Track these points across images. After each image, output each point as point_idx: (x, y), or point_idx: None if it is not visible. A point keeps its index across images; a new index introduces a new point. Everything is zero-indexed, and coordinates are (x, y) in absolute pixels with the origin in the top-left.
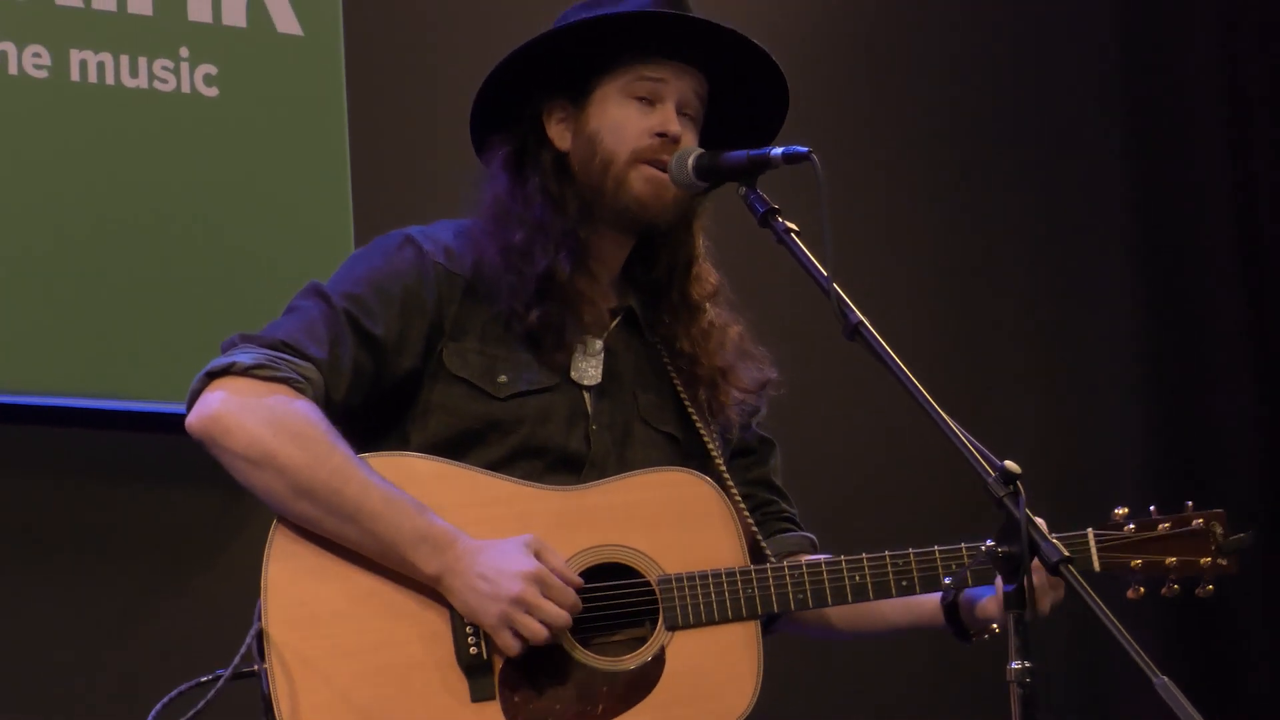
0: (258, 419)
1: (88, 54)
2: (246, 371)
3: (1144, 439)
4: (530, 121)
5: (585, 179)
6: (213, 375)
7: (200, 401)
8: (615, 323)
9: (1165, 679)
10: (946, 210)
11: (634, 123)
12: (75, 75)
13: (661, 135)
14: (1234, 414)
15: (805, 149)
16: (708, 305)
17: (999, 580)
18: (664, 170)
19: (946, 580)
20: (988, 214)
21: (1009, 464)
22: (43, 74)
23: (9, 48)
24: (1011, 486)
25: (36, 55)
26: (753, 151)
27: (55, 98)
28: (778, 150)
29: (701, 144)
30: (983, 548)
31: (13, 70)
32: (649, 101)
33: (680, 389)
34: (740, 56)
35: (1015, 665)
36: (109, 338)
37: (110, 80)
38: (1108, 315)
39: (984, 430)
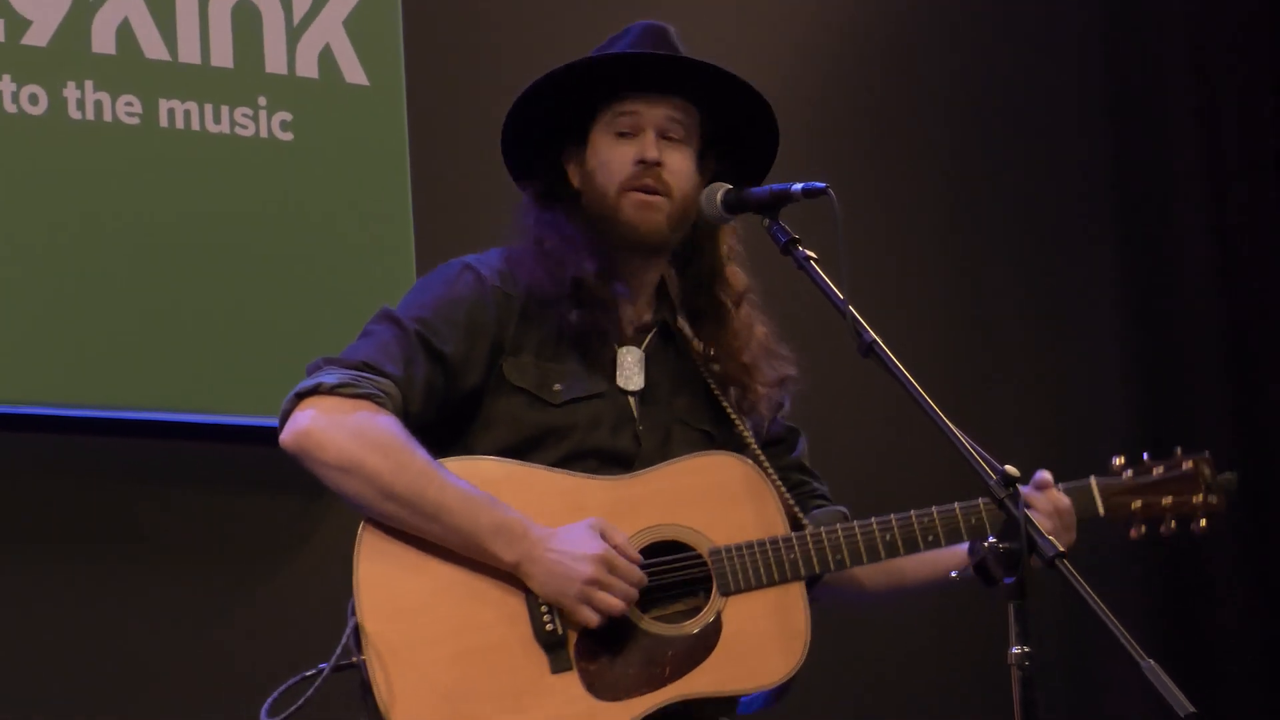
0: (345, 432)
1: (175, 103)
2: (332, 390)
3: (1126, 425)
4: (552, 164)
5: (594, 213)
6: (301, 395)
7: (291, 420)
8: (653, 333)
9: (1151, 662)
10: (945, 231)
11: (618, 157)
12: (164, 122)
13: (641, 162)
14: (1206, 398)
15: (823, 185)
16: (736, 307)
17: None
18: (651, 193)
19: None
20: (982, 232)
21: (1008, 468)
22: (135, 120)
23: (104, 97)
24: (1011, 489)
25: (129, 104)
26: (774, 186)
27: (146, 142)
28: (798, 186)
29: (723, 158)
30: (985, 544)
31: (107, 117)
32: (629, 135)
33: (715, 390)
34: (711, 81)
35: (1015, 650)
36: (198, 358)
37: (195, 126)
38: (1092, 316)
39: (982, 423)
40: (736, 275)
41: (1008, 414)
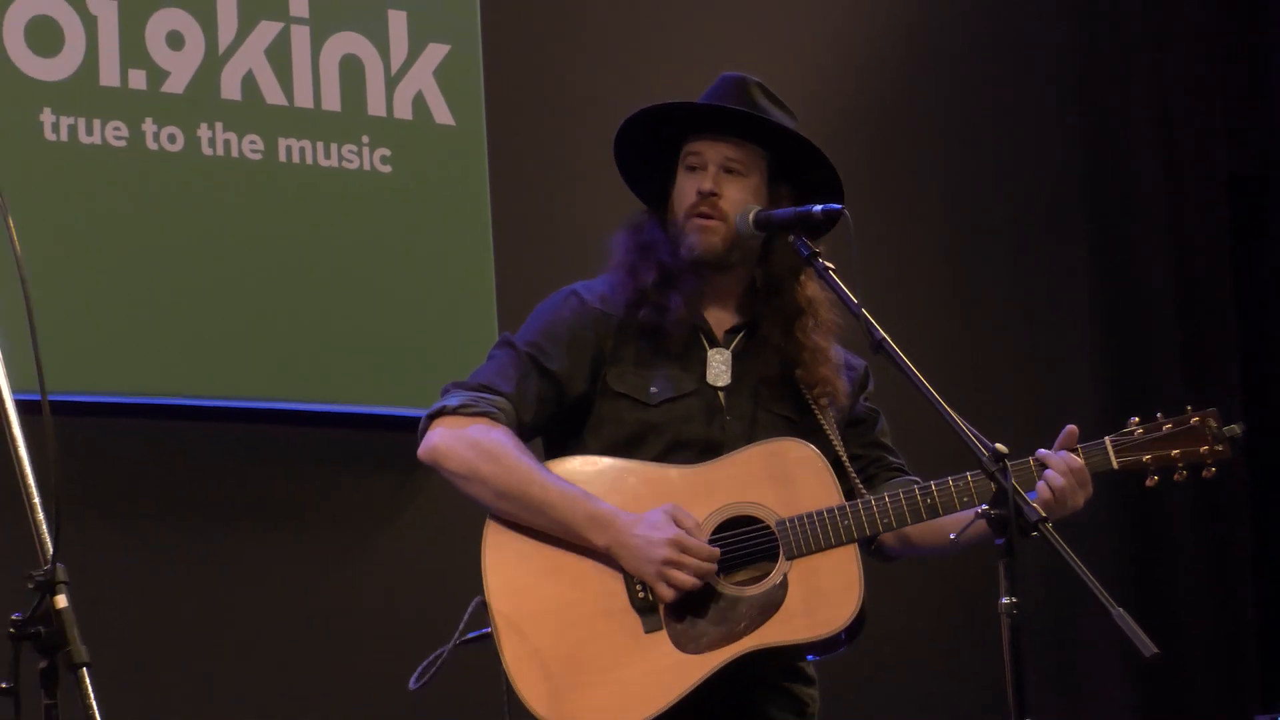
0: (464, 446)
1: (292, 141)
2: (455, 411)
3: (1096, 403)
4: (657, 194)
5: (673, 235)
6: (433, 417)
7: (425, 438)
8: (740, 335)
9: (1121, 610)
10: (940, 241)
11: (686, 188)
12: (282, 157)
13: (700, 193)
14: (1165, 379)
15: (839, 206)
16: (809, 313)
17: (1040, 484)
18: (707, 219)
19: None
20: (972, 242)
21: (998, 446)
22: (258, 156)
23: (231, 137)
24: (1001, 464)
25: (253, 142)
26: (798, 208)
27: (267, 175)
28: (818, 207)
29: (796, 183)
30: (978, 510)
31: (235, 154)
32: (697, 170)
33: (794, 379)
34: (759, 126)
35: (1005, 600)
36: (315, 356)
37: (309, 161)
38: (1066, 311)
39: (974, 405)
40: (809, 286)
41: (996, 396)
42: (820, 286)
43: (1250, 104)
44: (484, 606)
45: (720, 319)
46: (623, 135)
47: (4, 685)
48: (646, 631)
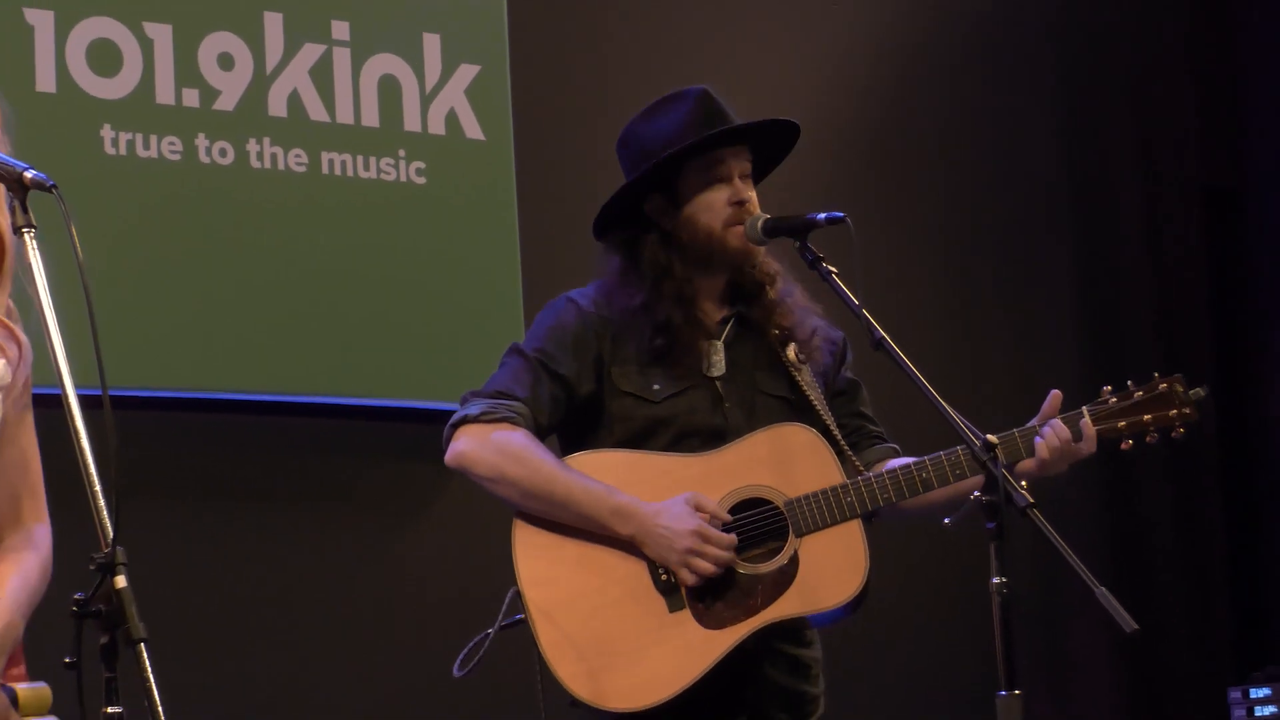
0: (489, 450)
1: (334, 154)
2: (477, 419)
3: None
4: (636, 215)
5: (692, 245)
6: (456, 425)
7: (451, 446)
8: (730, 325)
9: (1104, 589)
10: (936, 246)
11: (718, 200)
12: (325, 169)
13: (738, 203)
14: (1144, 349)
15: (841, 214)
16: (771, 285)
17: (1038, 442)
18: (741, 224)
19: (976, 495)
20: (966, 247)
21: (989, 436)
22: (302, 169)
23: (278, 151)
24: (991, 453)
25: (298, 156)
26: (806, 216)
27: (312, 186)
28: (822, 215)
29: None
30: (971, 497)
31: (281, 167)
32: (724, 179)
33: (783, 360)
34: (763, 132)
35: (996, 580)
36: (355, 354)
37: (350, 173)
38: (1052, 307)
39: (966, 395)
40: (769, 262)
41: (987, 385)
42: (774, 265)
43: (1223, 123)
44: (519, 596)
45: (710, 313)
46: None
47: (68, 660)
48: (670, 612)
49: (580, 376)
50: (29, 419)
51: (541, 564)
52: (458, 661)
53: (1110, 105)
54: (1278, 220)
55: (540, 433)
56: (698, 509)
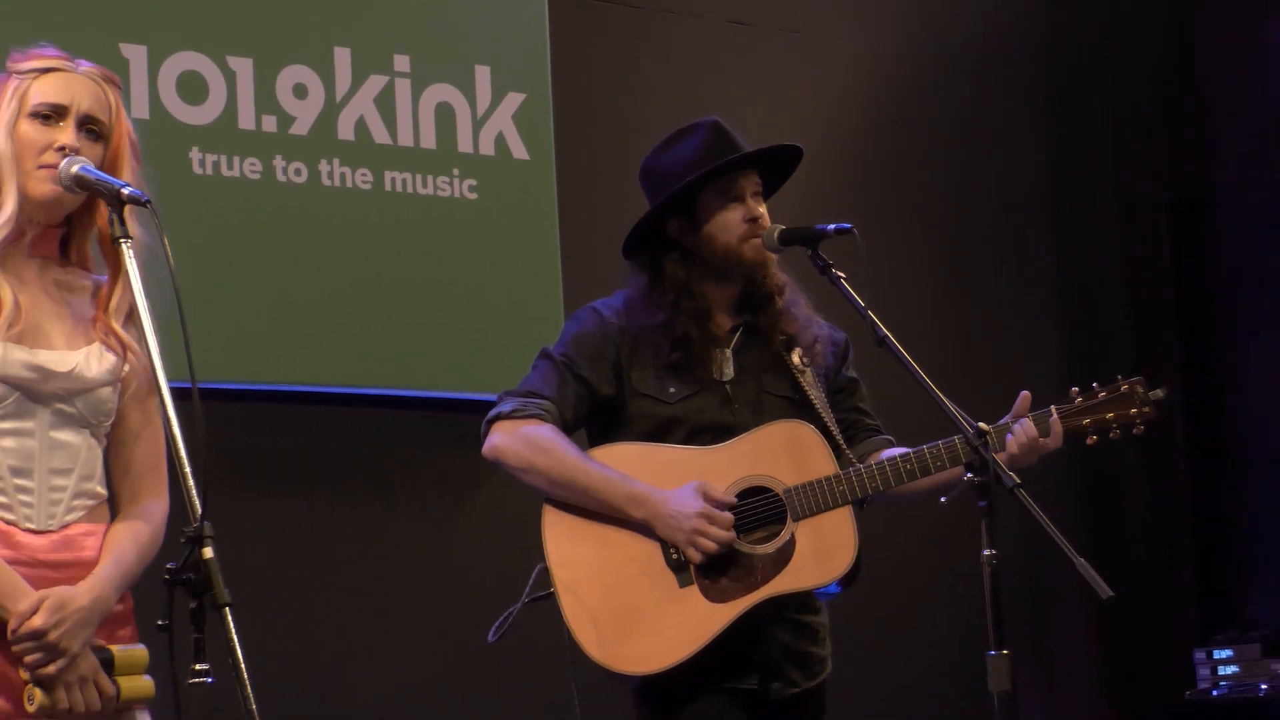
0: (520, 444)
1: (396, 173)
2: (510, 416)
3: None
4: (659, 236)
5: (710, 261)
6: (491, 421)
7: (487, 440)
8: (739, 334)
9: (1082, 560)
10: (932, 253)
11: (734, 218)
12: (389, 187)
13: (751, 220)
14: (1120, 347)
15: (849, 225)
16: (780, 293)
17: (1009, 439)
18: (758, 238)
19: (968, 477)
20: (958, 254)
21: (981, 424)
22: (368, 186)
23: (346, 170)
24: (983, 439)
25: (364, 175)
26: (816, 227)
27: (377, 201)
28: (831, 226)
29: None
30: (963, 479)
31: (349, 185)
32: (738, 199)
33: (788, 364)
34: (774, 157)
35: (986, 552)
36: (413, 349)
37: (410, 190)
38: (1036, 309)
39: (960, 388)
40: (778, 274)
41: (978, 376)
42: (782, 277)
43: (1190, 141)
44: (546, 573)
45: (722, 323)
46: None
47: (161, 622)
48: (680, 587)
49: (600, 380)
50: (150, 407)
51: (567, 544)
52: (492, 629)
53: (1088, 126)
54: (1239, 229)
55: (566, 428)
56: (704, 495)
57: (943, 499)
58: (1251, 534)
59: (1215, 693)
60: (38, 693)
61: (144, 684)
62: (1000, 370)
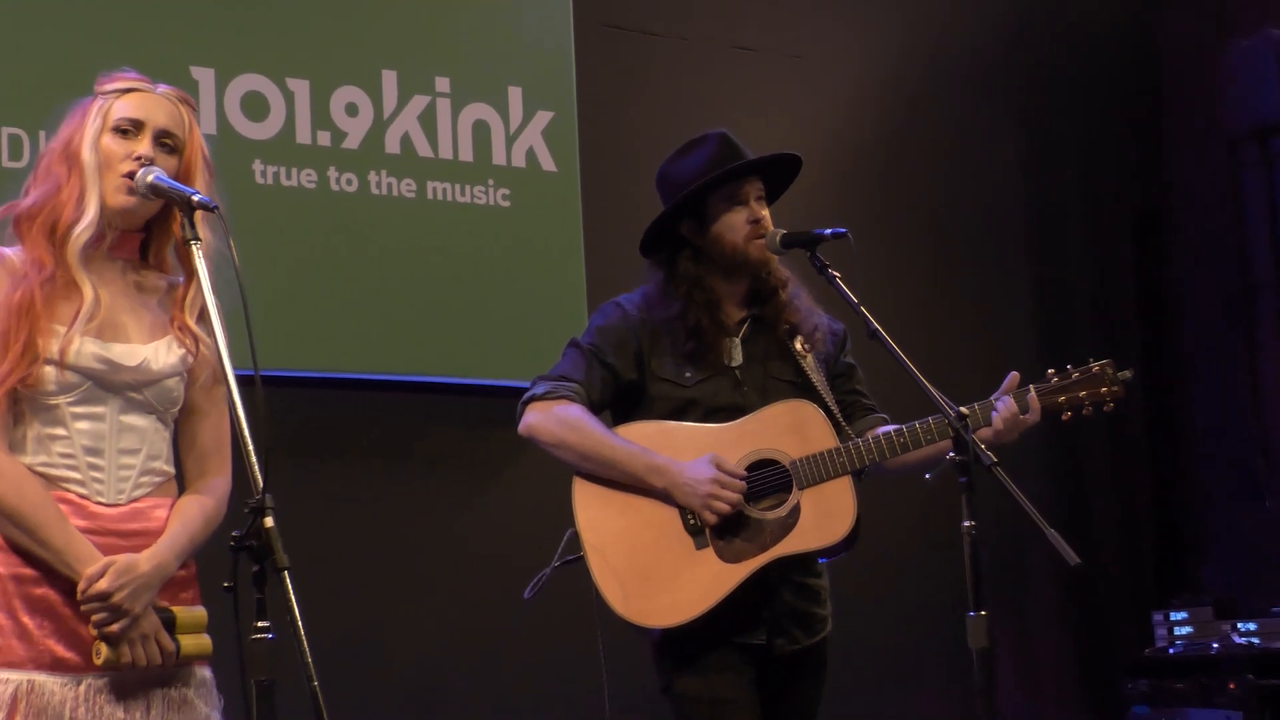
0: (552, 422)
1: (437, 183)
2: (543, 397)
3: (1033, 367)
4: (673, 236)
5: (718, 258)
6: (525, 403)
7: (522, 419)
8: (747, 324)
9: (1053, 531)
10: (920, 254)
11: (739, 220)
12: (430, 195)
13: (754, 221)
14: (1087, 338)
15: (844, 230)
16: (783, 288)
17: (994, 415)
18: (763, 238)
19: (950, 456)
20: (944, 255)
21: (961, 408)
22: (412, 195)
23: (393, 180)
24: (963, 422)
25: (409, 185)
26: (814, 231)
27: (420, 208)
28: (828, 230)
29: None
30: (946, 458)
31: (395, 194)
32: (742, 203)
33: (792, 351)
34: (776, 165)
35: (966, 524)
36: (455, 341)
37: (450, 198)
38: (1011, 306)
39: (944, 374)
40: (780, 269)
41: (959, 362)
42: (785, 272)
43: (1151, 155)
44: (576, 538)
45: (731, 314)
46: (693, 181)
47: (226, 584)
48: (697, 549)
49: (623, 366)
50: (216, 394)
51: (594, 512)
52: (528, 588)
53: (1060, 140)
54: (1192, 233)
55: (593, 408)
56: (717, 465)
57: (928, 475)
58: (1205, 508)
59: (1171, 650)
60: (104, 648)
61: (203, 641)
62: (979, 360)
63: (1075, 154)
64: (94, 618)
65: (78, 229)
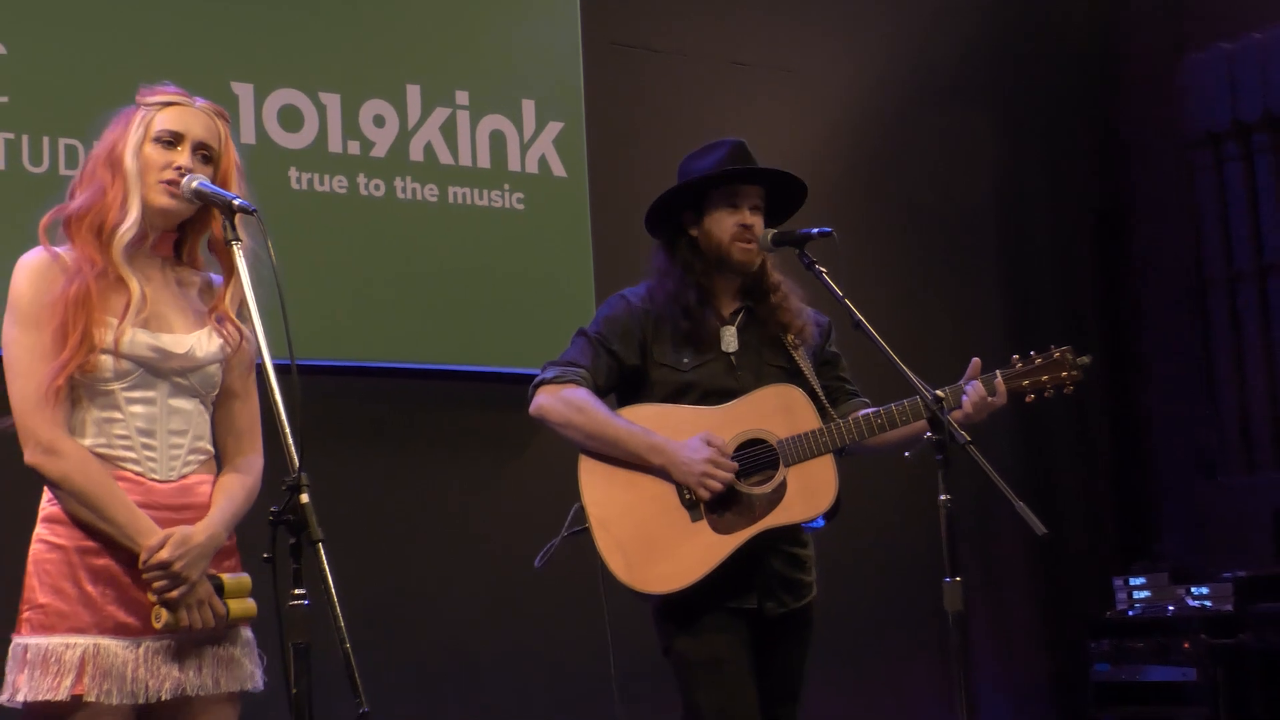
0: (560, 404)
1: (457, 188)
2: (552, 381)
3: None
4: (675, 226)
5: (709, 253)
6: (536, 386)
7: (533, 401)
8: (741, 314)
9: (1021, 503)
10: (902, 253)
11: (728, 222)
12: (452, 200)
13: (742, 226)
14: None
15: (830, 229)
16: (775, 290)
17: (963, 399)
18: (748, 243)
19: (928, 435)
20: (923, 253)
21: (938, 391)
22: (434, 199)
23: (417, 186)
24: (940, 404)
25: (431, 190)
26: (801, 231)
27: (442, 212)
28: (815, 230)
29: (775, 213)
30: (924, 437)
31: (419, 198)
32: (735, 206)
33: (782, 342)
34: (771, 176)
35: (942, 497)
36: (474, 332)
37: (469, 202)
38: (981, 302)
39: (921, 361)
40: (774, 272)
41: (934, 350)
42: (782, 274)
43: (1113, 162)
44: (582, 511)
45: (726, 305)
46: (693, 183)
47: (265, 555)
48: (693, 522)
49: (627, 354)
50: (251, 380)
51: (599, 488)
52: (538, 558)
53: (1029, 147)
54: (1149, 233)
55: (599, 392)
56: (710, 444)
57: (906, 454)
58: (1162, 483)
59: (1131, 613)
60: (163, 612)
61: (249, 605)
62: (953, 347)
63: (1042, 160)
64: (155, 585)
65: (122, 228)
